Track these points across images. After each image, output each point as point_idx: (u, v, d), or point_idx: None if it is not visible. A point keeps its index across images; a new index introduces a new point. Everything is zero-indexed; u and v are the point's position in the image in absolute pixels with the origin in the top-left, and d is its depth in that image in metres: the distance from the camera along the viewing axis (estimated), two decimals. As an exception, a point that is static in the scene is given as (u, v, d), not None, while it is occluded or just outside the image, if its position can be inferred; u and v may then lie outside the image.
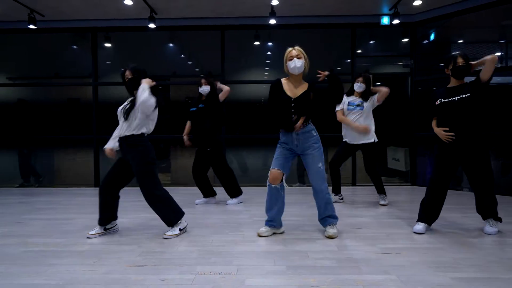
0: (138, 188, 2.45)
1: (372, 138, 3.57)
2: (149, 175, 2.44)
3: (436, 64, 5.31)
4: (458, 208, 3.43)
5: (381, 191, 3.68)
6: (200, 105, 3.56)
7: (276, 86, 2.47)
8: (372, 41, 5.39)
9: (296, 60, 2.37)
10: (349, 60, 5.80)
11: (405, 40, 5.29)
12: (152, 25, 4.53)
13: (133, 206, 3.56)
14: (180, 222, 2.56)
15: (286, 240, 2.42)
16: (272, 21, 4.42)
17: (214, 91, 3.56)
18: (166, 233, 2.50)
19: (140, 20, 4.88)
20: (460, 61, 2.51)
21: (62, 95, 5.75)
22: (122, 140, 2.48)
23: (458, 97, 2.51)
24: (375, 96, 3.57)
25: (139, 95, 2.38)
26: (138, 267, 1.94)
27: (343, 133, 3.69)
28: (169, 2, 4.37)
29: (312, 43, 5.38)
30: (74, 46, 5.58)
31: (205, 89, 3.52)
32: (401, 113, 5.28)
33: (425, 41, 5.17)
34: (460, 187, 4.67)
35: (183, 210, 2.61)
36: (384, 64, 5.65)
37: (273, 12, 4.36)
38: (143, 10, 4.57)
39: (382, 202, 3.66)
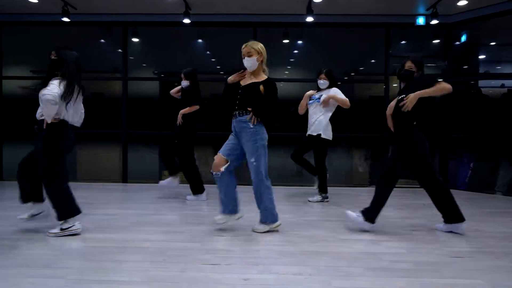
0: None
1: (320, 131, 3.58)
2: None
3: (467, 66, 5.28)
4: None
5: (323, 190, 3.73)
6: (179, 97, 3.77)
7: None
8: (403, 42, 5.35)
9: (246, 59, 2.44)
10: (373, 61, 5.81)
11: (436, 41, 5.26)
12: (187, 20, 4.48)
13: (179, 202, 3.56)
14: (66, 221, 2.37)
15: (350, 241, 2.38)
16: (309, 19, 4.37)
17: (194, 86, 3.69)
18: (50, 231, 2.39)
19: (172, 15, 4.82)
20: (408, 65, 2.58)
21: (86, 89, 5.70)
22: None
23: (399, 97, 2.58)
24: (336, 90, 3.62)
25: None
26: (214, 266, 1.90)
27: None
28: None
29: (340, 41, 5.37)
30: (102, 40, 5.53)
31: (184, 83, 3.67)
32: (436, 115, 5.22)
33: (457, 43, 5.14)
34: (493, 190, 4.65)
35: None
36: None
37: (310, 9, 4.31)
38: (176, 5, 4.52)
39: (311, 199, 3.73)
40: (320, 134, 3.60)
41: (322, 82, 3.66)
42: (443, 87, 2.43)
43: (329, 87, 3.68)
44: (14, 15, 4.97)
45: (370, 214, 2.53)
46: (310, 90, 3.88)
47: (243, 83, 2.50)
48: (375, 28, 5.01)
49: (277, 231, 2.55)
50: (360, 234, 2.53)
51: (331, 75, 3.68)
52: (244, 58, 2.44)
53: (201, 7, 4.62)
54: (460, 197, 4.28)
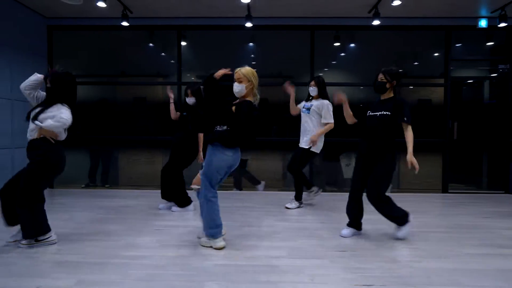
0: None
1: (308, 145, 3.60)
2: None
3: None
4: None
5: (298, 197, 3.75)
6: (184, 113, 3.62)
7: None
8: (458, 44, 5.27)
9: (236, 85, 2.45)
10: (416, 63, 5.74)
11: (489, 43, 5.18)
12: (249, 24, 4.39)
13: (261, 211, 3.46)
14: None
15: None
16: (376, 22, 4.29)
17: (201, 101, 3.55)
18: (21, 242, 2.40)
19: (231, 18, 4.76)
20: (379, 77, 2.65)
21: (128, 93, 5.63)
22: None
23: (381, 112, 2.62)
24: (325, 105, 3.61)
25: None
26: (367, 287, 1.82)
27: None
28: (271, 1, 4.24)
29: (388, 44, 5.29)
30: (150, 44, 5.45)
31: (190, 100, 3.51)
32: (494, 118, 5.14)
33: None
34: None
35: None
36: (462, 68, 5.53)
37: (377, 13, 4.23)
38: (232, 8, 4.44)
39: (288, 206, 3.70)
40: (310, 147, 3.63)
41: (312, 89, 3.68)
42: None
43: (319, 94, 3.67)
44: (64, 19, 4.89)
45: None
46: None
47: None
48: (433, 31, 4.94)
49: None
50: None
51: (321, 83, 3.68)
52: (234, 82, 2.46)
53: (261, 11, 4.54)
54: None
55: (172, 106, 3.71)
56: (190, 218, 3.23)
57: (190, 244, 2.48)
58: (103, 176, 5.38)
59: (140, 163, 5.53)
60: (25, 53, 4.48)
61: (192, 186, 2.55)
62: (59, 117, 2.40)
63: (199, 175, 2.50)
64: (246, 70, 2.46)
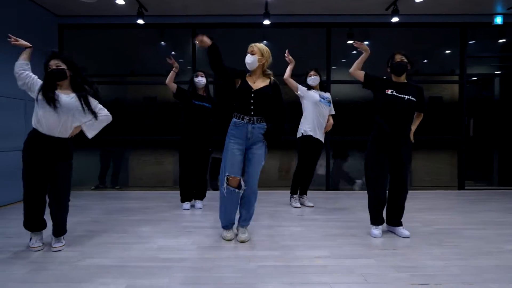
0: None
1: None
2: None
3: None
4: None
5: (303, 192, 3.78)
6: (207, 105, 3.48)
7: (243, 73, 2.54)
8: (471, 41, 5.28)
9: (248, 56, 2.47)
10: (426, 61, 5.74)
11: (502, 40, 5.20)
12: (266, 22, 4.34)
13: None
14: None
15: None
16: (395, 19, 4.27)
17: (207, 85, 3.58)
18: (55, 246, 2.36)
19: (247, 16, 4.70)
20: (398, 57, 2.59)
21: (138, 93, 5.54)
22: None
23: (408, 97, 2.55)
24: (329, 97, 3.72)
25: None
26: (424, 286, 1.79)
27: (306, 127, 3.60)
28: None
29: (392, 41, 5.27)
30: (163, 43, 5.36)
31: (201, 80, 3.46)
32: (506, 115, 5.16)
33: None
34: None
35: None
36: (472, 65, 5.55)
37: (396, 10, 4.22)
38: (253, 6, 4.39)
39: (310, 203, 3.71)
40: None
41: (314, 78, 3.62)
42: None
43: (320, 85, 3.70)
44: (75, 17, 4.79)
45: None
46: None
47: (254, 86, 2.46)
48: (448, 28, 4.94)
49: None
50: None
51: (319, 72, 3.71)
52: (247, 55, 2.48)
53: (278, 8, 4.49)
54: None
55: (173, 74, 3.48)
56: (215, 220, 3.18)
57: (226, 245, 2.44)
58: (113, 177, 5.29)
59: (150, 164, 5.45)
60: (35, 52, 4.35)
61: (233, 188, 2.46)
62: (101, 108, 2.37)
63: (236, 180, 2.41)
64: (260, 44, 2.52)
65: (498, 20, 4.69)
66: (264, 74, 2.52)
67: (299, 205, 3.71)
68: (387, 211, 2.69)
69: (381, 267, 2.05)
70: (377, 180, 2.58)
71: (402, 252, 2.30)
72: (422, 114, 2.66)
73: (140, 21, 4.30)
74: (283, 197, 4.13)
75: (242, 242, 2.48)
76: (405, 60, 2.58)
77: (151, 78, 5.50)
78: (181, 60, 5.40)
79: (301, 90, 3.64)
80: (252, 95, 2.42)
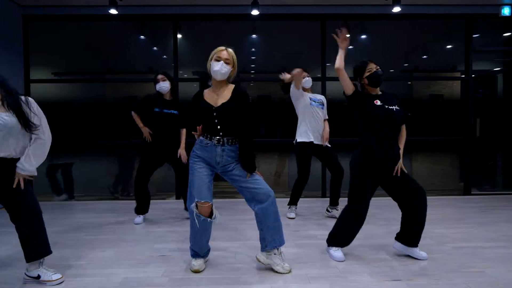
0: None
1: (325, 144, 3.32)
2: None
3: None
4: None
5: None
6: (173, 111, 3.09)
7: (198, 96, 2.12)
8: (476, 35, 4.93)
9: (223, 64, 2.00)
10: (425, 56, 5.39)
11: (507, 34, 4.87)
12: (255, 12, 3.91)
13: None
14: None
15: None
16: (396, 9, 3.88)
17: (174, 88, 3.15)
18: None
19: (234, 7, 4.25)
20: (373, 66, 2.20)
21: (118, 92, 5.06)
22: None
23: (396, 107, 2.20)
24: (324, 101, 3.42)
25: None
26: None
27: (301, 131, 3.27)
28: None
29: (390, 35, 4.91)
30: (142, 37, 4.88)
31: (163, 86, 3.03)
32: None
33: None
34: None
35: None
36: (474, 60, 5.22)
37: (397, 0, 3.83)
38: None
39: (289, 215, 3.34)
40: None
41: (308, 80, 3.31)
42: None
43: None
44: (42, 8, 4.28)
45: None
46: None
47: (216, 103, 2.02)
48: (452, 20, 4.58)
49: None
50: None
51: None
52: (218, 61, 2.00)
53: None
54: None
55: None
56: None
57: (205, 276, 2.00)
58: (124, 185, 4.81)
59: (132, 170, 4.98)
60: (-4, 47, 3.87)
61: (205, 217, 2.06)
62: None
63: (208, 207, 2.00)
64: (233, 52, 2.09)
65: (506, 11, 4.33)
66: (228, 83, 2.10)
67: (293, 215, 3.32)
68: (404, 228, 2.26)
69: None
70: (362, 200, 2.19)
71: (418, 283, 1.89)
72: (405, 128, 2.29)
73: (113, 11, 3.83)
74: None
75: (288, 272, 2.02)
76: (380, 69, 2.20)
77: (131, 75, 5.04)
78: (164, 57, 4.94)
79: (299, 92, 3.23)
80: (214, 113, 2.00)
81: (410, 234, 2.22)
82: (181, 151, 3.11)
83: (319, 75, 4.50)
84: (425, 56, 5.39)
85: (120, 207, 3.85)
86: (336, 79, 4.36)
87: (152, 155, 3.09)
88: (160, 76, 3.06)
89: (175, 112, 3.11)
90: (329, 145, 3.30)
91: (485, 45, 4.81)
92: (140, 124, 3.12)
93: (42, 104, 2.07)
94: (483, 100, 5.06)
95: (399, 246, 2.28)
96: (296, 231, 2.87)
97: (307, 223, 3.13)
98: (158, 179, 4.76)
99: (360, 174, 2.16)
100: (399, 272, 2.03)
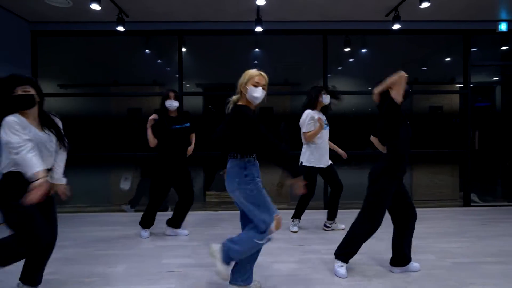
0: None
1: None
2: None
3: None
4: None
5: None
6: (186, 124, 3.21)
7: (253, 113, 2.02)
8: (474, 49, 5.04)
9: (263, 91, 2.00)
10: (425, 68, 5.51)
11: (504, 48, 4.98)
12: (259, 28, 4.01)
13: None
14: None
15: None
16: (396, 26, 3.98)
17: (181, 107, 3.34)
18: None
19: (238, 23, 4.37)
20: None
21: (121, 105, 5.14)
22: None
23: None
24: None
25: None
26: None
27: (309, 157, 3.28)
28: (283, 4, 3.88)
29: (390, 49, 5.02)
30: (147, 51, 4.99)
31: (174, 104, 3.12)
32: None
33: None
34: None
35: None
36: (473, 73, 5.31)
37: (397, 16, 3.93)
38: (245, 12, 4.07)
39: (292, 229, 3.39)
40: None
41: (327, 97, 3.28)
42: None
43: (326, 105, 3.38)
44: (50, 24, 4.39)
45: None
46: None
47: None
48: (450, 35, 4.69)
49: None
50: None
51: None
52: (256, 86, 1.97)
53: (271, 14, 4.16)
54: None
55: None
56: (203, 253, 2.80)
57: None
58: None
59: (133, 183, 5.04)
60: (6, 61, 3.95)
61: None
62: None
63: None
64: (266, 76, 2.08)
65: (503, 27, 4.44)
66: None
67: (296, 229, 3.39)
68: (396, 253, 2.35)
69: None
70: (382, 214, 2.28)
71: (423, 284, 1.96)
72: None
73: (120, 28, 3.93)
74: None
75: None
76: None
77: (136, 88, 5.13)
78: (168, 69, 5.05)
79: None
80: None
81: (402, 257, 2.33)
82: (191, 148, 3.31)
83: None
84: (424, 68, 5.51)
85: (125, 220, 3.91)
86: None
87: (168, 171, 3.16)
88: (171, 94, 3.14)
89: (188, 124, 3.23)
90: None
91: (483, 58, 4.92)
92: (151, 141, 3.13)
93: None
94: (482, 112, 5.17)
95: (397, 270, 2.36)
96: (300, 246, 2.94)
97: (310, 237, 3.20)
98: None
99: (389, 185, 2.22)
100: (401, 289, 2.10)
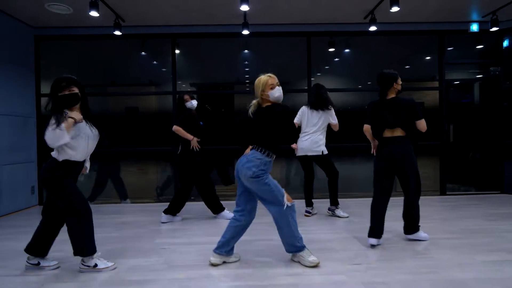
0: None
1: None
2: None
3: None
4: None
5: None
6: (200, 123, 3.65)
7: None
8: (450, 48, 5.36)
9: (279, 88, 2.31)
10: (408, 67, 5.82)
11: (479, 46, 5.30)
12: (245, 32, 4.33)
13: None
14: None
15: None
16: (372, 28, 4.30)
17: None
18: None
19: (227, 26, 4.70)
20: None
21: (119, 104, 5.46)
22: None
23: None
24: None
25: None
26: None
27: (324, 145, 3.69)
28: (268, 8, 4.20)
29: (373, 49, 5.33)
30: (143, 53, 5.31)
31: (194, 103, 3.57)
32: (487, 120, 5.22)
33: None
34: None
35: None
36: (453, 71, 5.62)
37: (373, 19, 4.25)
38: (233, 16, 4.39)
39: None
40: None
41: None
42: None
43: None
44: (52, 29, 4.71)
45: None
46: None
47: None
48: (426, 35, 5.01)
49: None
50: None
51: None
52: (273, 88, 2.28)
53: (258, 18, 4.49)
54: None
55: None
56: (196, 235, 3.13)
57: (198, 263, 2.38)
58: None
59: (133, 175, 5.36)
60: (11, 64, 4.28)
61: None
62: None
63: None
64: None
65: (474, 27, 4.77)
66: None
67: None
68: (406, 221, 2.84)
69: (352, 283, 2.02)
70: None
71: (375, 266, 2.28)
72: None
73: (117, 32, 4.25)
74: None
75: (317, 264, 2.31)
76: None
77: (133, 88, 5.45)
78: (163, 69, 5.36)
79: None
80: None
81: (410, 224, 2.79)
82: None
83: (305, 87, 4.92)
84: (408, 66, 5.83)
85: (123, 210, 4.24)
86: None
87: (202, 162, 3.57)
88: (186, 96, 3.54)
89: (201, 123, 3.64)
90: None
91: (459, 57, 5.25)
92: (189, 136, 3.50)
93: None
94: (461, 107, 5.47)
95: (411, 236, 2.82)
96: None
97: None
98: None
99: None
100: (362, 258, 2.42)
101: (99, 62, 5.44)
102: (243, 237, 2.42)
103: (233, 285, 2.03)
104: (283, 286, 1.99)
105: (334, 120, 3.66)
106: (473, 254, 2.47)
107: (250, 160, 2.24)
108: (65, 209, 2.19)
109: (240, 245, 2.58)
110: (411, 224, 2.79)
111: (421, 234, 2.80)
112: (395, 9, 3.71)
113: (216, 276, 2.16)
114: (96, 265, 2.25)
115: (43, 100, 4.88)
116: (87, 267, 2.24)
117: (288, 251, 2.36)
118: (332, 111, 3.66)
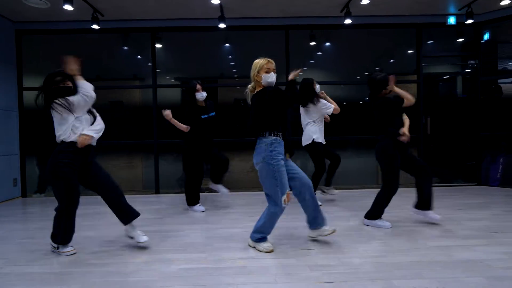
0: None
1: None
2: None
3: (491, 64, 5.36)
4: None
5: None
6: (212, 114, 3.61)
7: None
8: (430, 41, 5.38)
9: (274, 75, 2.36)
10: (392, 61, 5.84)
11: (460, 40, 5.32)
12: (222, 25, 4.38)
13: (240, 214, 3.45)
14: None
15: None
16: (348, 21, 4.34)
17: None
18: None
19: (205, 20, 4.74)
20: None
21: (104, 98, 5.52)
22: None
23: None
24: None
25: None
26: (329, 284, 1.83)
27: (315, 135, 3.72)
28: (244, 2, 4.24)
29: (356, 42, 5.37)
30: (125, 47, 5.37)
31: (204, 94, 3.51)
32: (466, 113, 5.26)
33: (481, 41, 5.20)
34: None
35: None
36: (435, 64, 5.65)
37: (348, 12, 4.29)
38: (212, 10, 4.43)
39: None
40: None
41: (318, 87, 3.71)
42: None
43: None
44: (33, 23, 4.77)
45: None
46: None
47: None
48: (404, 28, 5.04)
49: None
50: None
51: None
52: (268, 72, 2.34)
53: (235, 11, 4.53)
54: (491, 193, 4.47)
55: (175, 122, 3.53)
56: (158, 223, 3.20)
57: (154, 248, 2.46)
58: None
59: (120, 168, 5.44)
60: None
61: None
62: None
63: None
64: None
65: (452, 20, 4.79)
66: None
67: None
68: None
69: (298, 266, 2.09)
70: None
71: (327, 250, 2.35)
72: None
73: (95, 26, 4.30)
74: (247, 197, 4.16)
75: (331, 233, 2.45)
76: None
77: (118, 82, 5.50)
78: (149, 64, 5.39)
79: None
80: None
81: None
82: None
83: (284, 81, 4.96)
84: (392, 60, 5.86)
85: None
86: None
87: (197, 155, 3.55)
88: (198, 86, 3.49)
89: (213, 114, 3.62)
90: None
91: (439, 50, 5.28)
92: (183, 126, 3.48)
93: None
94: (431, 100, 5.51)
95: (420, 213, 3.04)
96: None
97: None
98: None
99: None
100: (318, 243, 2.48)
101: (83, 57, 5.47)
102: (207, 226, 2.48)
103: (183, 267, 2.11)
104: (230, 269, 2.07)
105: (327, 109, 3.63)
106: (425, 240, 2.54)
107: (257, 147, 2.32)
108: (55, 197, 2.34)
109: (205, 232, 2.64)
110: (371, 212, 2.93)
111: (378, 222, 2.91)
112: (365, 1, 3.75)
113: (170, 260, 2.24)
114: (58, 247, 2.40)
115: (26, 94, 4.95)
116: (53, 247, 2.43)
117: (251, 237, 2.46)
118: (320, 103, 3.62)
